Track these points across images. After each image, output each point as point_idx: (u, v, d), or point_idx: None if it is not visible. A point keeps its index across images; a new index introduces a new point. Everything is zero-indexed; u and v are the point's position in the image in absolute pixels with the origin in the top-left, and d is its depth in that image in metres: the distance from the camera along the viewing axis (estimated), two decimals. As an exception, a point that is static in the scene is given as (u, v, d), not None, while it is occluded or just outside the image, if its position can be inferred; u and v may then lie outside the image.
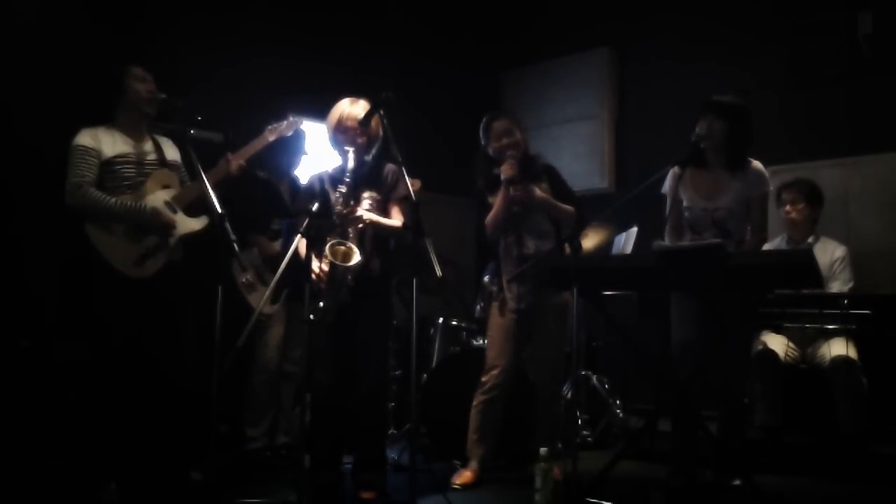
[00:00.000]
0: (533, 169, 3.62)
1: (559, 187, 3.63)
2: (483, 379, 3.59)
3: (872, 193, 4.63)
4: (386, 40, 5.51)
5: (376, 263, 3.31)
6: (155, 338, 3.19)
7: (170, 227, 3.23)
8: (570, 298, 3.57)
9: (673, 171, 3.39)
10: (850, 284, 4.02)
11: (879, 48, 4.67)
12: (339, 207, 3.16)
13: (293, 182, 4.09)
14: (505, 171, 3.49)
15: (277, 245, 3.98)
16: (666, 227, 3.44)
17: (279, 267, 2.83)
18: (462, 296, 4.87)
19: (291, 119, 3.65)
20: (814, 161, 4.75)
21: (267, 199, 3.96)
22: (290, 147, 3.98)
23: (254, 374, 3.94)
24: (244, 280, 3.83)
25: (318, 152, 4.28)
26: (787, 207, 4.10)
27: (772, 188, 3.41)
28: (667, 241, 3.37)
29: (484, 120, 3.69)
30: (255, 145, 3.52)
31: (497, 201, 3.54)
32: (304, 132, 3.93)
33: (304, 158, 4.15)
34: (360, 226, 3.18)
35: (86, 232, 3.13)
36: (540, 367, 3.65)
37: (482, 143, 3.68)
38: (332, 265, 3.08)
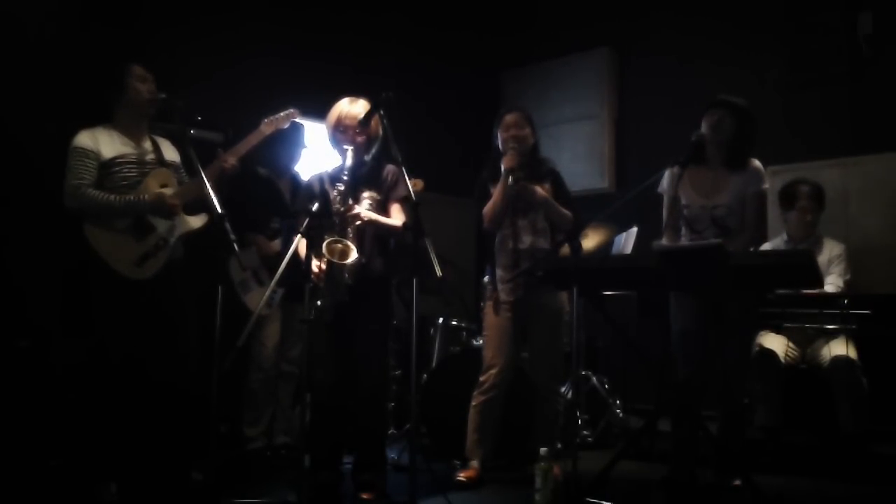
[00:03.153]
0: (539, 169, 3.64)
1: (561, 193, 3.64)
2: (481, 379, 3.59)
3: (872, 193, 4.63)
4: (386, 40, 5.51)
5: (376, 263, 3.31)
6: (154, 338, 3.17)
7: (174, 208, 3.18)
8: (567, 297, 3.58)
9: (671, 171, 3.39)
10: (847, 277, 4.02)
11: (879, 48, 4.67)
12: (337, 206, 3.17)
13: (294, 178, 4.08)
14: (506, 162, 3.51)
15: (275, 244, 3.97)
16: (664, 226, 3.44)
17: (277, 267, 2.83)
18: (462, 296, 4.86)
19: (288, 110, 3.56)
20: (814, 161, 4.74)
21: (267, 198, 3.96)
22: (288, 141, 3.97)
23: (251, 374, 3.94)
24: (242, 280, 3.82)
25: (318, 152, 4.28)
26: (808, 217, 4.06)
27: (768, 185, 3.41)
28: (665, 241, 3.37)
29: (499, 112, 3.71)
30: (252, 139, 3.44)
31: (496, 191, 3.56)
32: (302, 125, 3.91)
33: (303, 151, 4.13)
34: (359, 223, 3.17)
35: (85, 234, 3.11)
36: (538, 366, 3.64)
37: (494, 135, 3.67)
38: (329, 263, 3.08)
